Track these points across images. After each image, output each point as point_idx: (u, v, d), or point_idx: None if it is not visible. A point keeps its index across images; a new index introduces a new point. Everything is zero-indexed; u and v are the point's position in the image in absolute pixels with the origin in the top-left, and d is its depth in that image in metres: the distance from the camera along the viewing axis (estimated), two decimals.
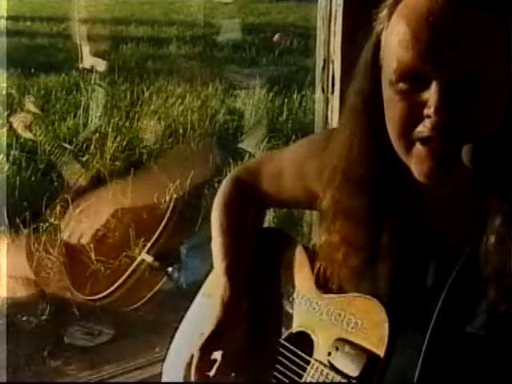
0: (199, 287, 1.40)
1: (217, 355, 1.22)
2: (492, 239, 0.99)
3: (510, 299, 0.99)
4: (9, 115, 4.30)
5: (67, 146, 3.92)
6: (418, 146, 0.98)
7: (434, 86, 0.94)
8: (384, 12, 1.02)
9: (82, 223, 2.99)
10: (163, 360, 1.39)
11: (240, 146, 4.32)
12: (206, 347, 1.22)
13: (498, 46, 0.96)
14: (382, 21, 1.02)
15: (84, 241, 2.92)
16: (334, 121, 2.00)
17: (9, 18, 6.05)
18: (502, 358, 1.03)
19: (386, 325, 1.05)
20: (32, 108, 4.22)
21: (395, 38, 0.98)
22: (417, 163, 0.99)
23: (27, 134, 3.78)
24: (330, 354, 1.11)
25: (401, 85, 0.97)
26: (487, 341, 1.03)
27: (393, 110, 1.00)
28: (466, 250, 1.02)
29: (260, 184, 1.35)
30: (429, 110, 0.94)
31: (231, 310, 1.24)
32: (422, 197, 1.06)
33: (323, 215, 1.16)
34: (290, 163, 1.30)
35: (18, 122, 3.79)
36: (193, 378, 1.21)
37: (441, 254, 1.07)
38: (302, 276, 1.25)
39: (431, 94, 0.95)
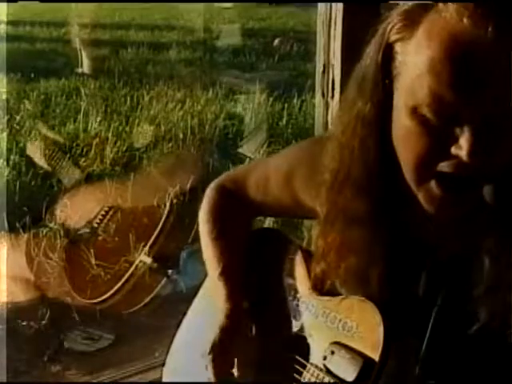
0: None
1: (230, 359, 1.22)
2: (486, 259, 0.97)
3: (499, 318, 0.97)
4: (8, 120, 4.31)
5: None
6: (433, 184, 0.93)
7: (466, 126, 0.88)
8: (401, 23, 0.93)
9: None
10: (163, 365, 1.39)
11: (240, 150, 4.32)
12: (217, 355, 1.20)
13: None
14: (400, 31, 0.93)
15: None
16: None
17: (9, 22, 6.06)
18: (495, 367, 1.03)
19: (381, 328, 1.04)
20: (50, 134, 4.21)
21: (425, 62, 0.88)
22: (427, 198, 0.96)
23: (42, 162, 3.76)
24: (325, 358, 1.10)
25: (429, 116, 0.90)
26: (482, 349, 1.03)
27: (414, 140, 0.93)
28: (458, 266, 1.01)
29: (246, 192, 1.33)
30: (461, 152, 0.89)
31: (232, 314, 1.24)
32: (416, 210, 1.04)
33: (319, 220, 1.15)
34: (276, 171, 1.28)
35: (34, 149, 3.78)
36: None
37: (430, 263, 1.06)
38: (299, 277, 1.24)
39: (464, 135, 0.88)
